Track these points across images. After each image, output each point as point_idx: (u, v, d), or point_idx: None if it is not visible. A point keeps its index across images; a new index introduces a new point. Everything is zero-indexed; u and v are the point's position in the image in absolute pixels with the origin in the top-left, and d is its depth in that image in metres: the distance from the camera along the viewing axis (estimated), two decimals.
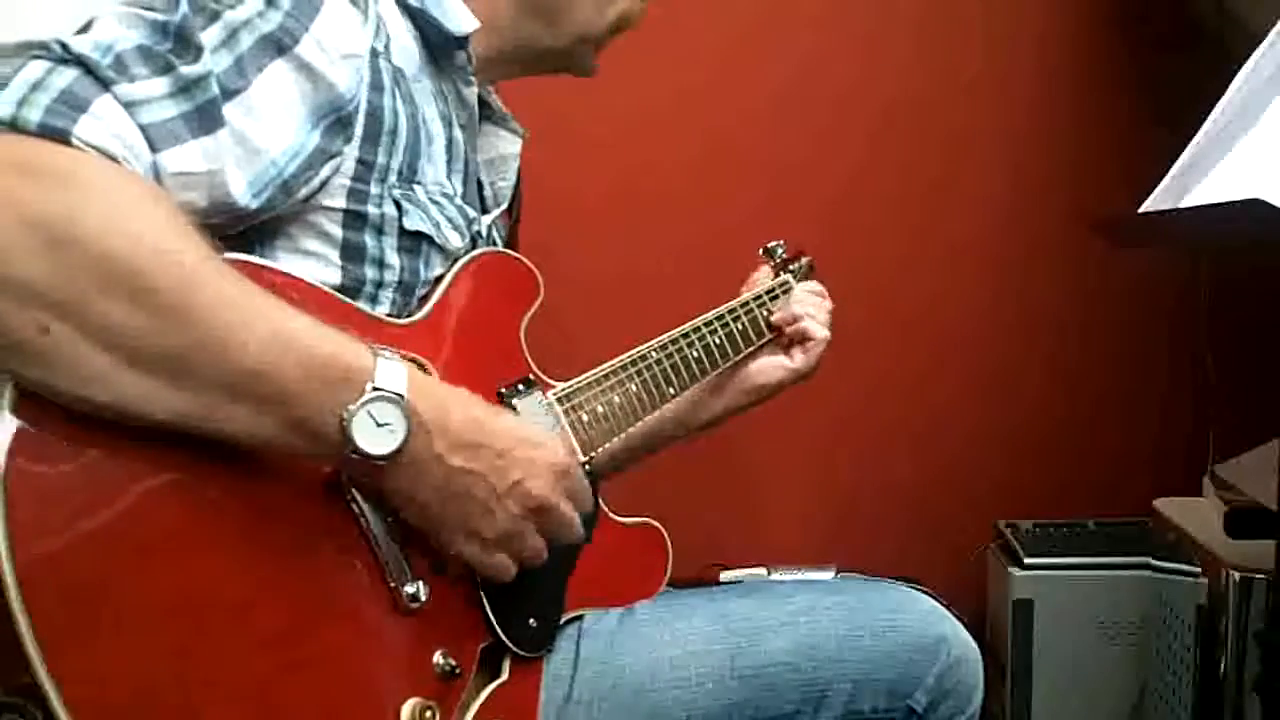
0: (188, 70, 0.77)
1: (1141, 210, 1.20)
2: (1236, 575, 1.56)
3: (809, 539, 2.00)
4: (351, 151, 0.88)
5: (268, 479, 0.76)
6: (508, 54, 1.07)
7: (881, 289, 1.95)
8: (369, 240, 0.91)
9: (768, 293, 1.25)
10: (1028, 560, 1.73)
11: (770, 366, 1.23)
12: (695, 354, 1.16)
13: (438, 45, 0.99)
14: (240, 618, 0.73)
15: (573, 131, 1.80)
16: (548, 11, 1.05)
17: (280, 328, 0.73)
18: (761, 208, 1.90)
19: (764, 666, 1.03)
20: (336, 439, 0.74)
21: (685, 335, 1.16)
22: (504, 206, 1.13)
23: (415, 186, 0.94)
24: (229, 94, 0.79)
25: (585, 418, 1.04)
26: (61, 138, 0.70)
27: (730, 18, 1.93)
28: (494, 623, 0.92)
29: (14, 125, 0.69)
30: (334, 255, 0.89)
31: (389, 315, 0.92)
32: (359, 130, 0.88)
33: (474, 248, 1.01)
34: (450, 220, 0.97)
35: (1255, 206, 1.00)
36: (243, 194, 0.80)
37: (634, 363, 1.11)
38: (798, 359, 1.23)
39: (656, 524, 1.10)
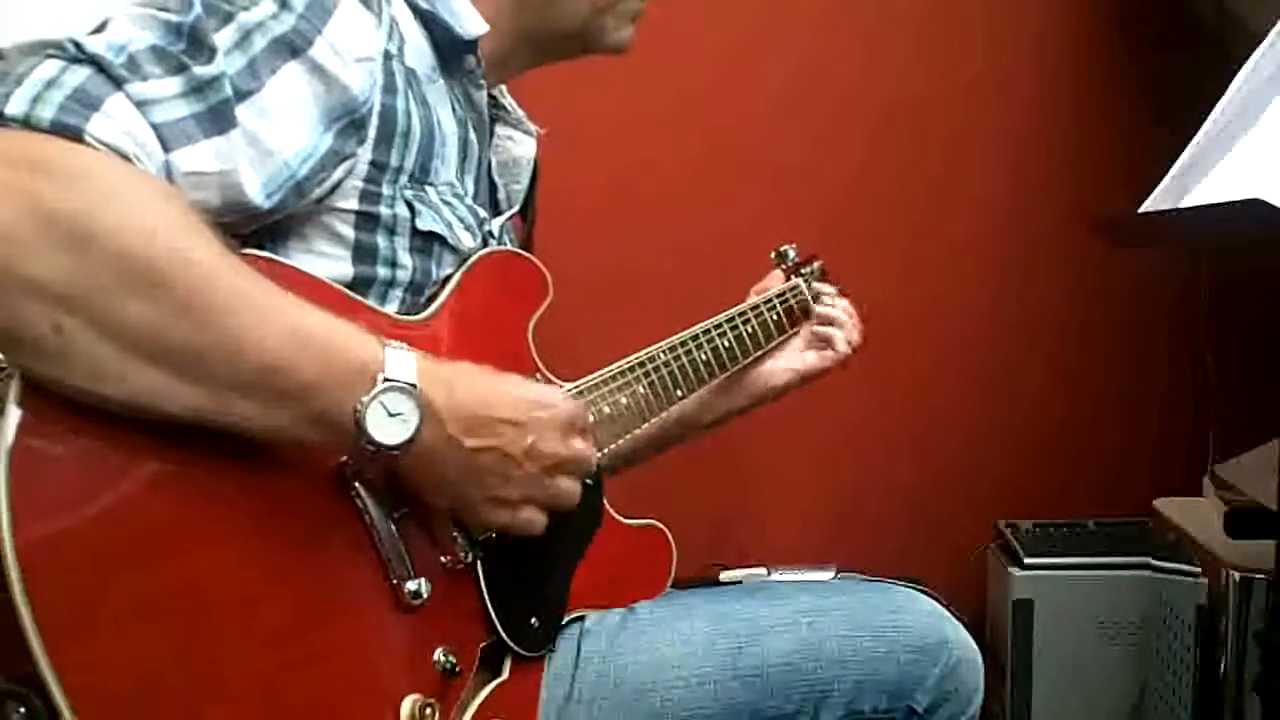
0: (200, 71, 0.77)
1: (1141, 210, 1.20)
2: (1236, 575, 1.56)
3: (809, 539, 2.01)
4: (365, 154, 0.88)
5: (272, 472, 0.76)
6: (518, 50, 1.06)
7: (881, 289, 1.94)
8: (381, 241, 0.91)
9: (778, 296, 1.26)
10: (1028, 560, 1.73)
11: (779, 370, 1.24)
12: (704, 357, 1.17)
13: (447, 48, 0.99)
14: (242, 611, 0.73)
15: (573, 132, 1.78)
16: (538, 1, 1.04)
17: (297, 323, 0.74)
18: (762, 208, 1.90)
19: (765, 667, 1.03)
20: (350, 431, 0.75)
21: (694, 338, 1.17)
22: (516, 208, 1.13)
23: (427, 187, 0.95)
24: (242, 95, 0.79)
25: (593, 418, 1.05)
26: (74, 135, 0.70)
27: (730, 18, 1.93)
28: (495, 621, 0.92)
29: (27, 122, 0.69)
30: (346, 255, 0.90)
31: (398, 314, 0.92)
32: (372, 132, 0.88)
33: (485, 248, 1.01)
34: (462, 220, 0.97)
35: (1255, 206, 1.00)
36: (257, 194, 0.81)
37: (642, 364, 1.11)
38: (810, 358, 1.24)
39: (661, 526, 1.10)
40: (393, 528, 0.83)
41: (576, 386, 1.05)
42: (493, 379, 0.87)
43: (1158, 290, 1.97)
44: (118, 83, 0.73)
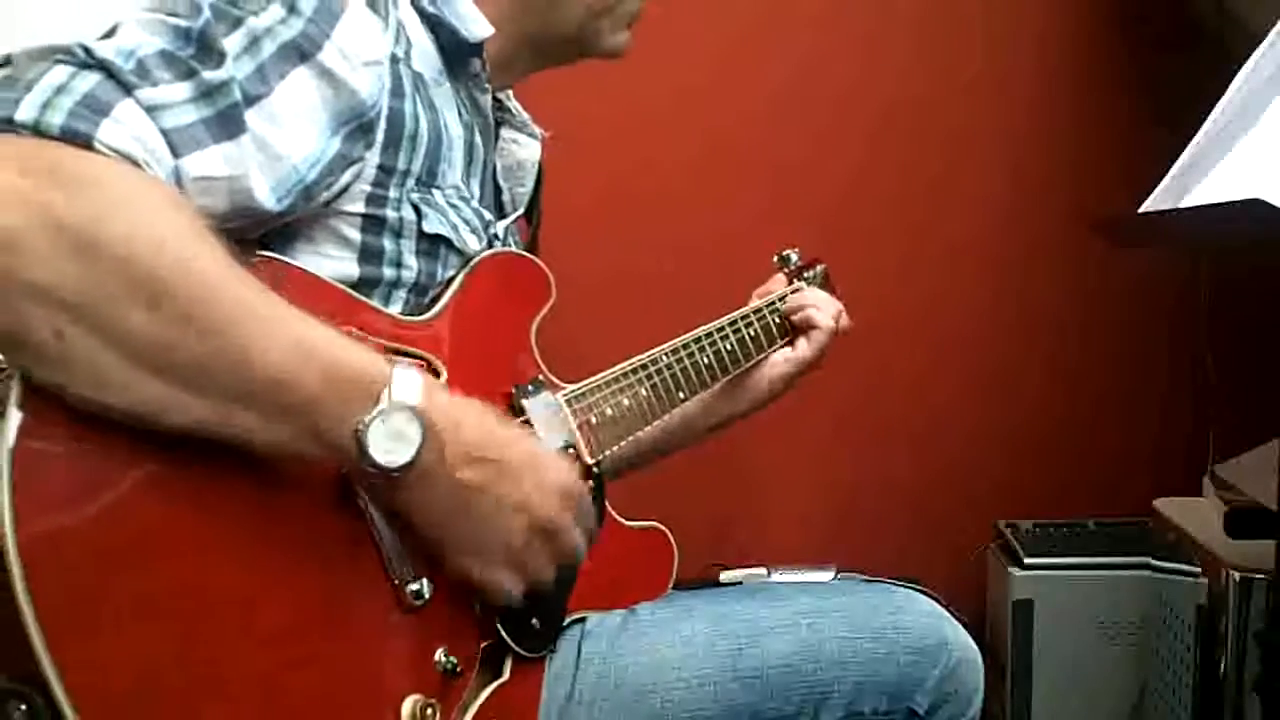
0: (210, 76, 0.77)
1: (1141, 210, 1.20)
2: (1236, 575, 1.56)
3: (809, 539, 2.01)
4: (373, 158, 0.88)
5: (274, 474, 0.76)
6: (521, 52, 1.06)
7: (881, 289, 1.94)
8: (387, 243, 0.91)
9: (780, 299, 1.26)
10: (1028, 560, 1.73)
11: (775, 363, 1.23)
12: (706, 360, 1.17)
13: (452, 52, 0.99)
14: (243, 610, 0.73)
15: (573, 133, 1.79)
16: (546, 2, 1.04)
17: (302, 336, 0.73)
18: (762, 208, 1.91)
19: (765, 668, 1.03)
20: (351, 450, 0.74)
21: (697, 340, 1.17)
22: (520, 212, 1.13)
23: (434, 190, 0.95)
24: (251, 100, 0.79)
25: (594, 420, 1.04)
26: (84, 142, 0.70)
27: (730, 18, 1.93)
28: (497, 622, 0.92)
29: (37, 129, 0.69)
30: (352, 257, 0.90)
31: (401, 314, 0.92)
32: (380, 136, 0.88)
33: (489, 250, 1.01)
34: (468, 223, 0.98)
35: (1255, 206, 1.00)
36: (266, 198, 0.80)
37: (644, 367, 1.11)
38: (800, 346, 1.24)
39: (662, 527, 1.10)
40: (395, 529, 0.83)
41: (578, 388, 1.05)
42: (501, 422, 0.86)
43: (1158, 290, 1.97)
44: (127, 88, 0.73)
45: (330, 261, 0.89)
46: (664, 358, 1.13)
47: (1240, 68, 1.16)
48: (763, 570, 1.86)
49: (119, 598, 0.67)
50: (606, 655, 1.02)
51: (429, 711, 0.82)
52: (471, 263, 0.98)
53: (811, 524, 2.02)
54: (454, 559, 0.84)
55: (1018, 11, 1.96)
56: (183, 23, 0.78)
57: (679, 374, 1.14)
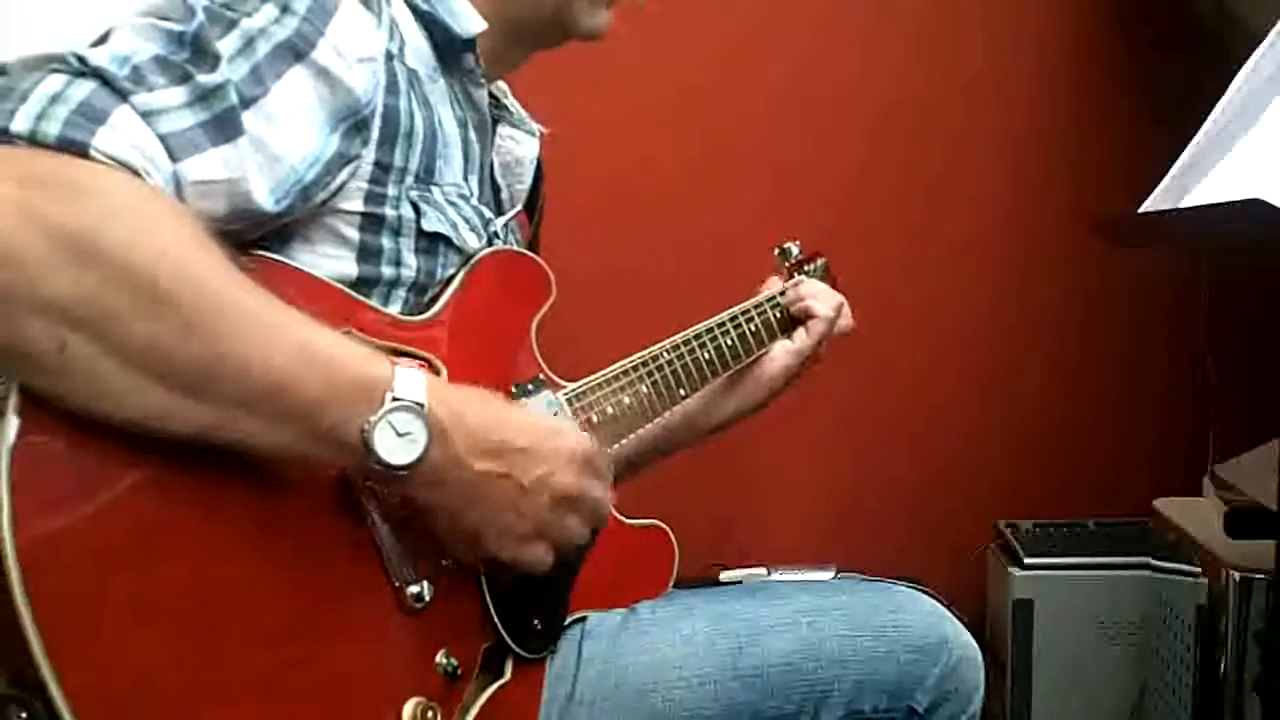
0: (205, 79, 0.77)
1: (1141, 210, 1.20)
2: (1236, 575, 1.56)
3: (809, 539, 2.01)
4: (369, 154, 0.88)
5: (274, 477, 0.76)
6: (509, 42, 1.06)
7: (881, 289, 1.94)
8: (386, 242, 0.91)
9: (780, 294, 1.25)
10: (1028, 560, 1.73)
11: (775, 357, 1.22)
12: (707, 355, 1.16)
13: (445, 48, 0.99)
14: (243, 613, 0.73)
15: (574, 132, 1.79)
16: None
17: (305, 340, 0.73)
18: (762, 207, 1.90)
19: (765, 667, 1.03)
20: (358, 450, 0.74)
21: (697, 336, 1.16)
22: (519, 208, 1.13)
23: (433, 188, 0.94)
24: (247, 102, 0.79)
25: (595, 418, 1.04)
26: (80, 150, 0.70)
27: (730, 18, 1.93)
28: (497, 624, 0.92)
29: (33, 139, 0.69)
30: (350, 256, 0.90)
31: (401, 313, 0.92)
32: (375, 133, 0.88)
33: (489, 248, 1.01)
34: (468, 221, 0.97)
35: (1255, 206, 1.00)
36: (265, 200, 0.80)
37: (645, 364, 1.11)
38: (799, 338, 1.23)
39: (663, 526, 1.10)
40: (395, 530, 0.83)
41: (579, 386, 1.05)
42: (504, 406, 0.87)
43: (1158, 290, 1.97)
44: (123, 95, 0.73)
45: (328, 261, 0.89)
46: (664, 354, 1.13)
47: (1240, 68, 1.16)
48: (763, 570, 1.86)
49: (118, 601, 0.67)
50: (607, 655, 1.02)
51: (430, 714, 0.82)
52: (471, 261, 0.98)
53: (811, 524, 2.02)
54: (481, 547, 0.84)
55: (1018, 11, 1.96)
56: (176, 27, 0.78)
57: (680, 371, 1.13)
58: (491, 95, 1.07)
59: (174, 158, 0.75)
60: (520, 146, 1.13)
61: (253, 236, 0.84)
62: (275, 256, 0.84)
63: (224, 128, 0.77)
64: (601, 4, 1.08)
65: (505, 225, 1.08)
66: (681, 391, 1.13)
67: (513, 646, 0.93)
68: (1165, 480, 1.91)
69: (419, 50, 0.96)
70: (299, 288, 0.83)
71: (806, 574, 1.77)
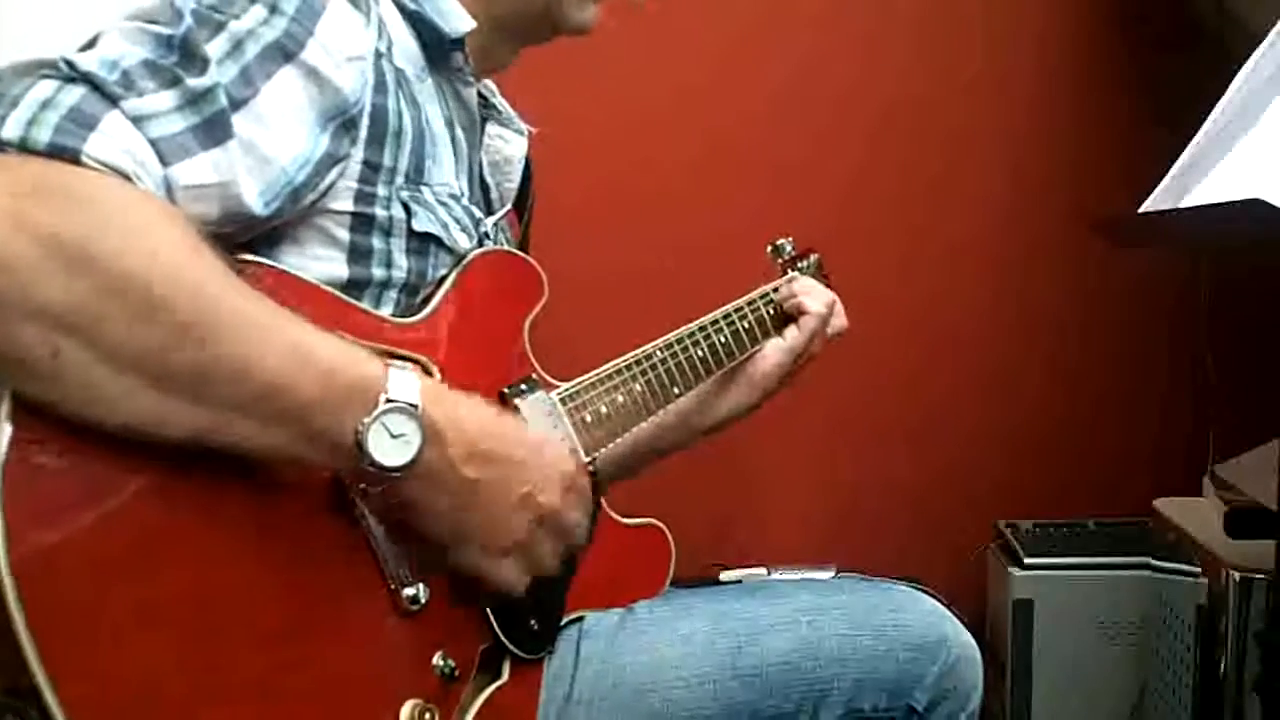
0: (195, 83, 0.77)
1: (1141, 210, 1.20)
2: (1236, 575, 1.56)
3: (809, 539, 2.01)
4: (357, 154, 0.88)
5: (268, 480, 0.76)
6: (497, 39, 1.06)
7: (881, 289, 1.94)
8: (377, 243, 0.91)
9: (773, 290, 1.25)
10: (1028, 560, 1.73)
11: (770, 352, 1.22)
12: (700, 353, 1.16)
13: (434, 47, 0.99)
14: (239, 618, 0.73)
15: (573, 131, 1.79)
16: None
17: (299, 342, 0.73)
18: (762, 207, 1.90)
19: (764, 666, 1.03)
20: (352, 452, 0.74)
21: (690, 334, 1.16)
22: (508, 207, 1.13)
23: (423, 188, 0.94)
24: (237, 104, 0.79)
25: (589, 418, 1.04)
26: (72, 157, 0.70)
27: (730, 18, 1.93)
28: (494, 625, 0.92)
29: (24, 146, 0.69)
30: (341, 258, 0.89)
31: (393, 315, 0.92)
32: (363, 133, 0.88)
33: (481, 248, 1.01)
34: (458, 221, 0.97)
35: (1255, 206, 1.00)
36: (255, 203, 0.80)
37: (638, 362, 1.10)
38: (790, 334, 1.22)
39: (659, 524, 1.10)
40: (390, 532, 0.82)
41: (572, 386, 1.04)
42: (498, 415, 0.86)
43: (1158, 290, 1.97)
44: (113, 100, 0.73)
45: (318, 263, 0.88)
46: (658, 353, 1.12)
47: (1240, 68, 1.15)
48: (763, 570, 1.86)
49: (112, 609, 0.67)
50: (605, 654, 1.02)
51: (428, 715, 0.82)
52: (463, 262, 0.97)
53: (811, 524, 2.02)
54: (460, 554, 0.84)
55: (1018, 11, 1.96)
56: (165, 30, 0.78)
57: (673, 369, 1.13)
58: (480, 94, 1.07)
59: (165, 162, 0.75)
60: (509, 145, 1.12)
61: (243, 240, 0.83)
62: (263, 260, 0.84)
63: (214, 131, 0.77)
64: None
65: (495, 225, 1.08)
66: (675, 390, 1.13)
67: (510, 647, 0.93)
68: (1165, 480, 1.91)
69: (407, 49, 0.96)
70: (289, 292, 0.82)
71: (806, 574, 1.77)
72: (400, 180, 0.92)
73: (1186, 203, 1.16)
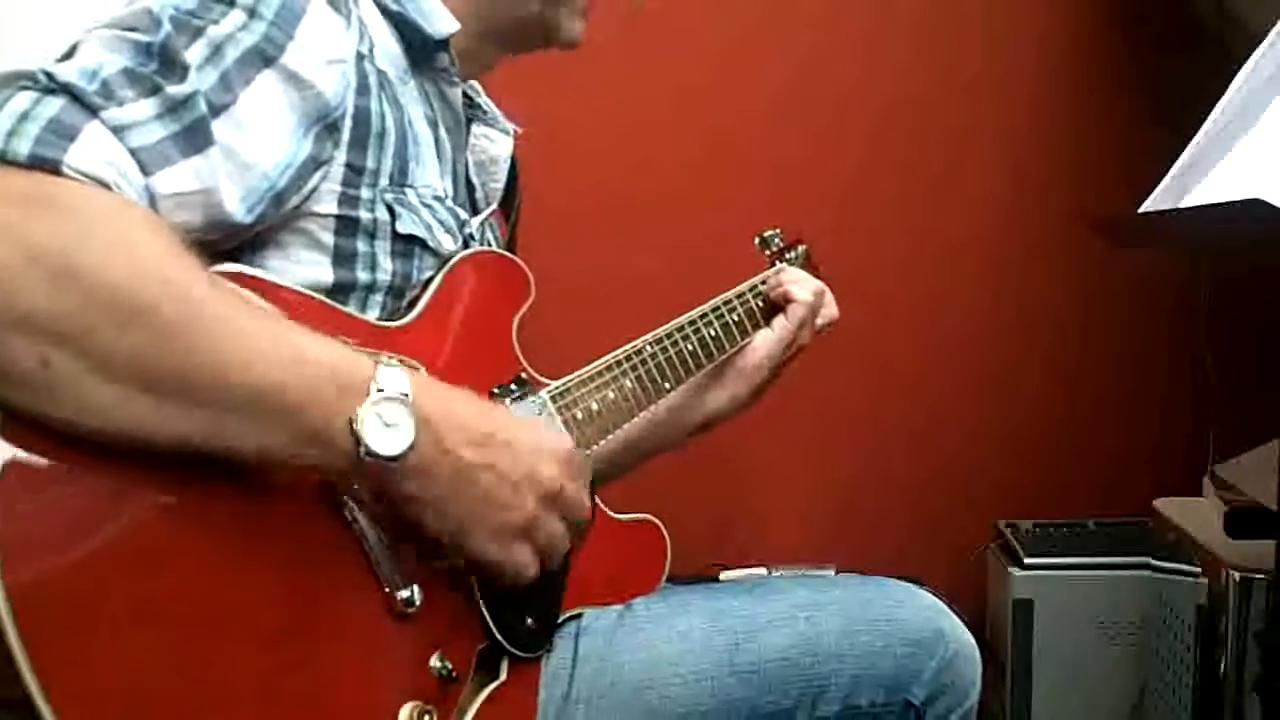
0: (174, 90, 0.76)
1: (1141, 210, 1.20)
2: (1236, 575, 1.56)
3: (809, 539, 2.01)
4: (340, 156, 0.88)
5: (258, 486, 0.75)
6: (485, 38, 1.06)
7: (881, 289, 1.94)
8: (361, 245, 0.91)
9: (762, 282, 1.24)
10: (1028, 560, 1.73)
11: (760, 343, 1.21)
12: (690, 347, 1.16)
13: (418, 48, 0.99)
14: (234, 627, 0.72)
15: (573, 131, 1.80)
16: None
17: (286, 343, 0.73)
18: (761, 207, 1.89)
19: (762, 662, 1.03)
20: (347, 444, 0.74)
21: (680, 329, 1.15)
22: (494, 207, 1.13)
23: (407, 190, 0.94)
24: (217, 110, 0.79)
25: (580, 415, 1.04)
26: (52, 168, 0.70)
27: (730, 18, 1.93)
28: (490, 624, 0.91)
29: (3, 158, 0.69)
30: (325, 261, 0.89)
31: (379, 319, 0.92)
32: (346, 135, 0.88)
33: (466, 249, 1.01)
34: (443, 223, 0.97)
35: (1255, 206, 1.00)
36: (237, 209, 0.80)
37: (628, 358, 1.10)
38: (778, 324, 1.21)
39: (654, 520, 1.10)
40: (382, 535, 0.82)
41: (562, 384, 1.04)
42: (488, 404, 0.87)
43: (1158, 290, 1.97)
44: (93, 110, 0.73)
45: (303, 268, 0.88)
46: (647, 348, 1.12)
47: (1240, 68, 1.15)
48: (763, 570, 1.87)
49: (105, 617, 0.67)
50: (603, 652, 1.02)
51: (426, 717, 0.82)
52: (449, 264, 0.97)
53: (811, 524, 2.02)
54: (469, 544, 0.83)
55: (1018, 11, 1.96)
56: (143, 38, 0.77)
57: (663, 364, 1.13)
58: (465, 94, 1.07)
59: (146, 172, 0.75)
60: (494, 145, 1.12)
61: (227, 247, 0.83)
62: (246, 270, 0.83)
63: (194, 138, 0.77)
64: (579, 13, 1.09)
65: (481, 224, 1.08)
66: (666, 385, 1.13)
67: (507, 646, 0.93)
68: (1165, 480, 1.91)
69: (389, 51, 0.96)
70: (273, 299, 0.81)
71: (806, 574, 1.77)
72: (384, 182, 0.92)
73: (1186, 203, 1.16)
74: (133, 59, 0.77)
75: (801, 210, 1.89)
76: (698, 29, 1.91)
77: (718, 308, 1.19)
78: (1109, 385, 2.01)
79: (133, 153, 0.74)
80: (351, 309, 0.90)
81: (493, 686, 0.92)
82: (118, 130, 0.74)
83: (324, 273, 0.89)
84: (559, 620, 1.00)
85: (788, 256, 1.31)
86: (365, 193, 0.90)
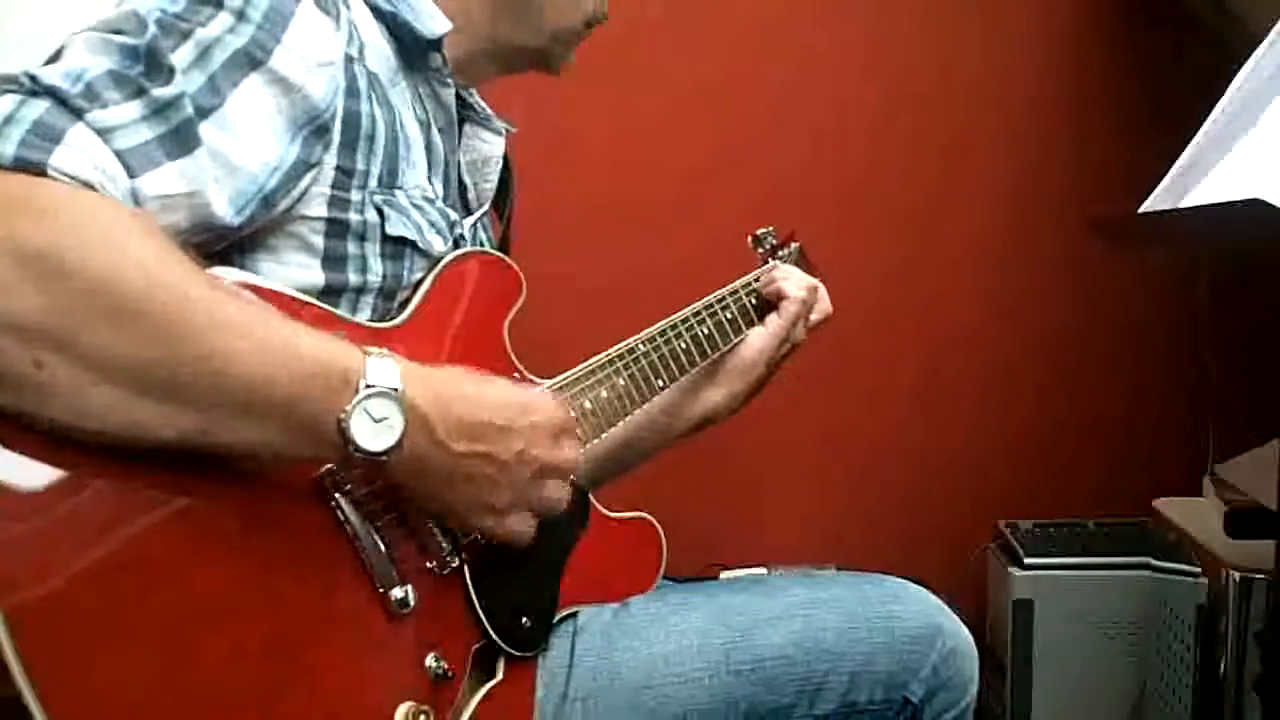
0: (160, 93, 0.76)
1: (1141, 210, 1.20)
2: (1236, 575, 1.56)
3: (809, 538, 2.01)
4: (330, 159, 0.88)
5: (249, 489, 0.75)
6: (484, 53, 1.07)
7: (881, 289, 1.95)
8: (351, 247, 0.91)
9: (755, 279, 1.24)
10: (1028, 560, 1.73)
11: (753, 340, 1.20)
12: (684, 345, 1.15)
13: (411, 48, 0.99)
14: (228, 631, 0.72)
15: (570, 131, 1.80)
16: (522, 10, 1.05)
17: (276, 337, 0.73)
18: (761, 208, 1.89)
19: (760, 660, 1.02)
20: (336, 440, 0.74)
21: (673, 327, 1.15)
22: (486, 207, 1.13)
23: (396, 191, 0.94)
24: (204, 113, 0.79)
25: (572, 414, 1.04)
26: (38, 170, 0.69)
27: (730, 18, 1.93)
28: (485, 623, 0.92)
29: None
30: (315, 264, 0.89)
31: (370, 320, 0.92)
32: (336, 137, 0.88)
33: (457, 250, 1.01)
34: (433, 224, 0.97)
35: (1255, 206, 1.00)
36: (225, 212, 0.80)
37: (621, 357, 1.10)
38: (771, 320, 1.20)
39: (649, 518, 1.09)
40: (375, 536, 0.82)
41: (556, 382, 1.04)
42: (479, 383, 0.86)
43: (1158, 290, 1.97)
44: (78, 113, 0.73)
45: (293, 270, 0.88)
46: (640, 346, 1.11)
47: (1240, 68, 1.15)
48: (763, 570, 1.87)
49: (101, 629, 0.66)
50: (601, 651, 1.01)
51: (423, 717, 0.82)
52: (439, 265, 0.97)
53: (811, 524, 2.02)
54: (467, 523, 0.86)
55: (1018, 11, 1.96)
56: (130, 40, 0.77)
57: (656, 362, 1.12)
58: (457, 94, 1.07)
59: (132, 174, 0.74)
60: (487, 145, 1.12)
61: (217, 249, 0.83)
62: (242, 275, 0.83)
63: (181, 140, 0.77)
64: (574, 46, 1.12)
65: (474, 225, 1.08)
66: (659, 382, 1.12)
67: (503, 645, 0.93)
68: (1165, 480, 1.91)
69: (380, 52, 0.95)
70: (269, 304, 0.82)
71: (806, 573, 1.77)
72: (373, 184, 0.92)
73: (1186, 203, 1.16)
74: (118, 61, 0.76)
75: (801, 210, 1.89)
76: (697, 29, 1.91)
77: (710, 305, 1.19)
78: (1109, 385, 2.01)
79: (118, 155, 0.74)
80: (342, 311, 0.90)
81: (489, 686, 0.92)
82: (103, 132, 0.73)
83: (314, 275, 0.89)
84: (555, 619, 1.00)
85: (781, 254, 1.31)
86: (355, 195, 0.90)
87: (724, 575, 1.80)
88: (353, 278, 0.91)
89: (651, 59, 1.86)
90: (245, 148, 0.81)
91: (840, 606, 1.06)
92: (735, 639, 1.03)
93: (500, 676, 0.93)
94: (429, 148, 1.00)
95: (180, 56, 0.79)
